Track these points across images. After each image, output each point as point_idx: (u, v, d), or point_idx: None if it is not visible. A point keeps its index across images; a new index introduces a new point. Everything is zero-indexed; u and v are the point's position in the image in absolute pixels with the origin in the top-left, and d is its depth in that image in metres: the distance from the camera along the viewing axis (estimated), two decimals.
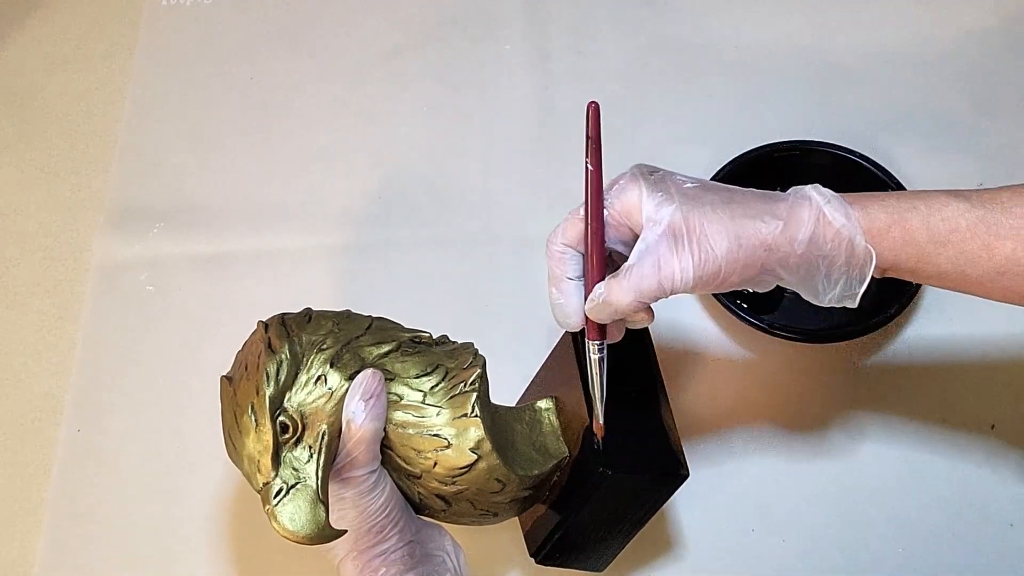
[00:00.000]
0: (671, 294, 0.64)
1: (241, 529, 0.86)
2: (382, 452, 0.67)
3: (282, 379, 0.64)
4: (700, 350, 0.90)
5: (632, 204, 0.65)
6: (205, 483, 0.88)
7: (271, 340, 0.65)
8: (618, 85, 1.02)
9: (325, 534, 0.62)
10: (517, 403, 0.82)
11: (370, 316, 0.70)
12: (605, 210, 0.66)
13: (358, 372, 0.65)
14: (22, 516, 0.88)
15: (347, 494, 0.65)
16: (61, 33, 1.10)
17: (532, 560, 0.75)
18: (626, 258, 0.65)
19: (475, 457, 0.67)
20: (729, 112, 1.01)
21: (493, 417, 0.70)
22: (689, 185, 0.65)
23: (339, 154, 1.02)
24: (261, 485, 0.63)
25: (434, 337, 0.71)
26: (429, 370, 0.68)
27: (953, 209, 0.63)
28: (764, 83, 1.02)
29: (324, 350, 0.66)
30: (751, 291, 0.89)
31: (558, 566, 0.76)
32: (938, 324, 0.90)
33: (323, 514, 0.62)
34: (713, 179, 0.87)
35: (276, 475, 0.63)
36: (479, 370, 0.68)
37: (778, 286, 0.89)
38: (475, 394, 0.67)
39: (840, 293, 0.66)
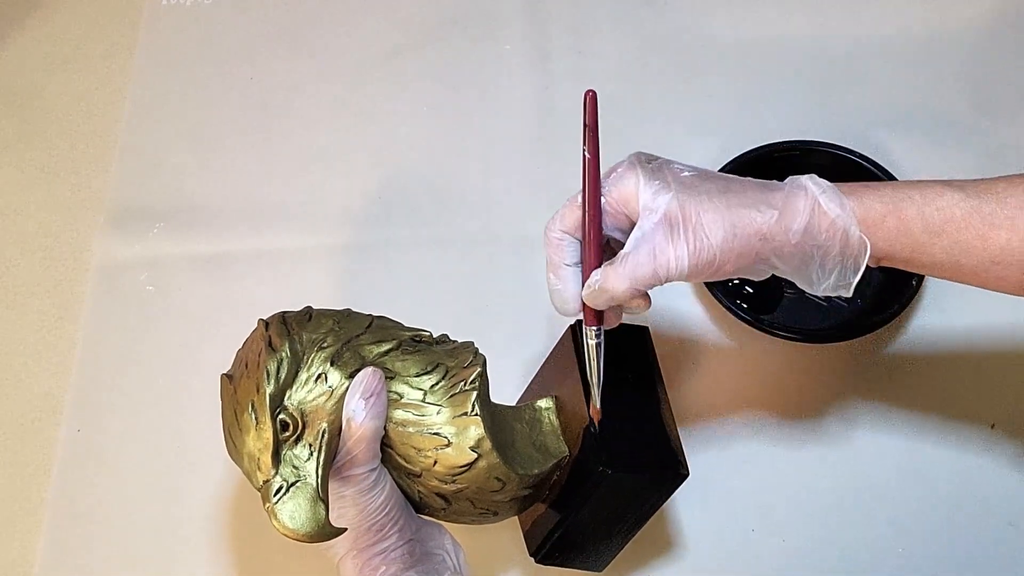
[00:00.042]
0: (666, 282, 0.65)
1: (241, 529, 0.86)
2: (382, 450, 0.67)
3: (282, 377, 0.64)
4: (700, 350, 0.90)
5: (629, 192, 0.65)
6: (205, 483, 0.88)
7: (272, 338, 0.65)
8: (618, 85, 1.02)
9: (325, 532, 0.62)
10: (517, 402, 0.82)
11: (370, 315, 0.70)
12: (603, 197, 0.66)
13: (358, 370, 0.65)
14: (22, 516, 0.88)
15: (347, 492, 0.66)
16: (61, 33, 1.10)
17: (532, 559, 0.75)
18: (623, 245, 0.66)
19: (475, 456, 0.67)
20: (729, 112, 1.01)
21: (493, 416, 0.70)
22: (686, 174, 0.66)
23: (339, 154, 1.02)
24: (261, 483, 0.63)
25: (434, 336, 0.71)
26: (429, 369, 0.68)
27: (948, 199, 0.64)
28: (764, 83, 1.02)
29: (324, 348, 0.66)
30: (751, 291, 0.89)
31: (558, 565, 0.76)
32: (938, 324, 0.90)
33: (323, 512, 0.62)
34: None
35: (276, 473, 0.63)
36: (479, 369, 0.68)
37: (779, 286, 0.90)
38: (475, 393, 0.67)
39: (835, 283, 0.66)
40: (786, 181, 0.66)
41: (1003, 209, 0.63)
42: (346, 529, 0.65)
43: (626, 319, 0.80)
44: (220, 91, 1.06)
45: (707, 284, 0.87)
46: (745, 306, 0.88)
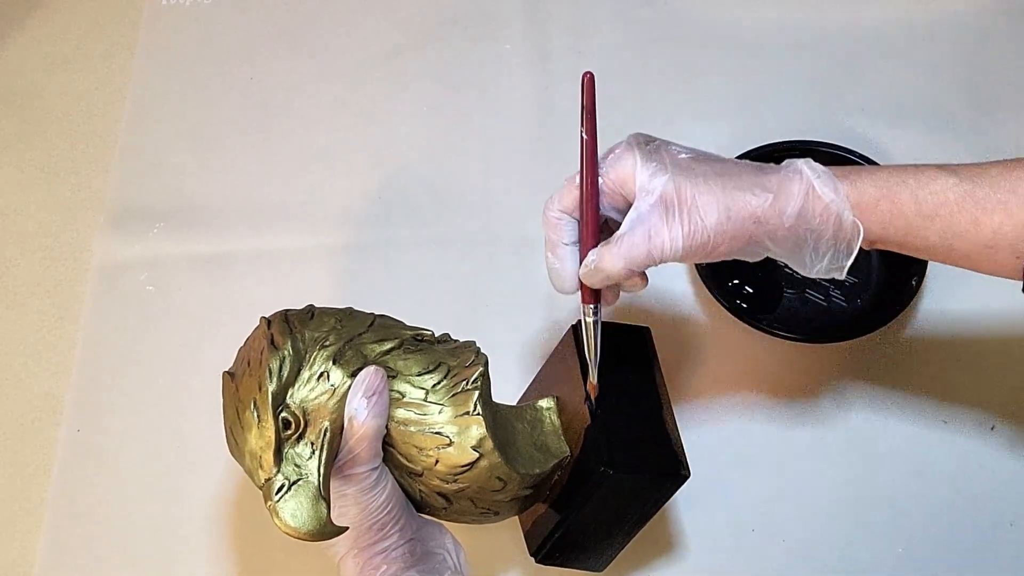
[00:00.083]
0: (660, 263, 0.66)
1: (242, 529, 0.86)
2: (384, 449, 0.67)
3: (285, 375, 0.64)
4: (700, 351, 0.90)
5: (626, 174, 0.66)
6: (205, 483, 0.88)
7: (274, 336, 0.65)
8: (618, 85, 1.02)
9: (327, 531, 0.62)
10: (518, 402, 0.82)
11: (372, 314, 0.70)
12: (600, 178, 0.67)
13: (360, 369, 0.65)
14: (22, 516, 0.88)
15: (349, 491, 0.66)
16: (61, 33, 1.10)
17: (532, 559, 0.75)
18: (620, 224, 0.67)
19: (477, 455, 0.67)
20: (729, 112, 1.01)
21: (494, 416, 0.70)
22: (683, 156, 0.66)
23: (339, 154, 1.02)
24: (263, 481, 0.63)
25: (436, 335, 0.71)
26: (431, 368, 0.68)
27: (942, 183, 0.64)
28: (764, 83, 1.02)
29: (327, 347, 0.66)
30: (751, 291, 0.89)
31: (558, 565, 0.76)
32: (938, 325, 0.90)
33: (325, 511, 0.62)
34: None
35: (278, 471, 0.63)
36: (481, 368, 0.68)
37: (779, 286, 0.89)
38: (477, 392, 0.67)
39: (827, 265, 0.67)
40: (783, 164, 0.67)
41: (996, 193, 0.63)
42: (347, 528, 0.65)
43: (626, 320, 0.80)
44: (220, 91, 1.06)
45: (707, 285, 0.87)
46: (745, 306, 0.88)
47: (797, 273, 0.89)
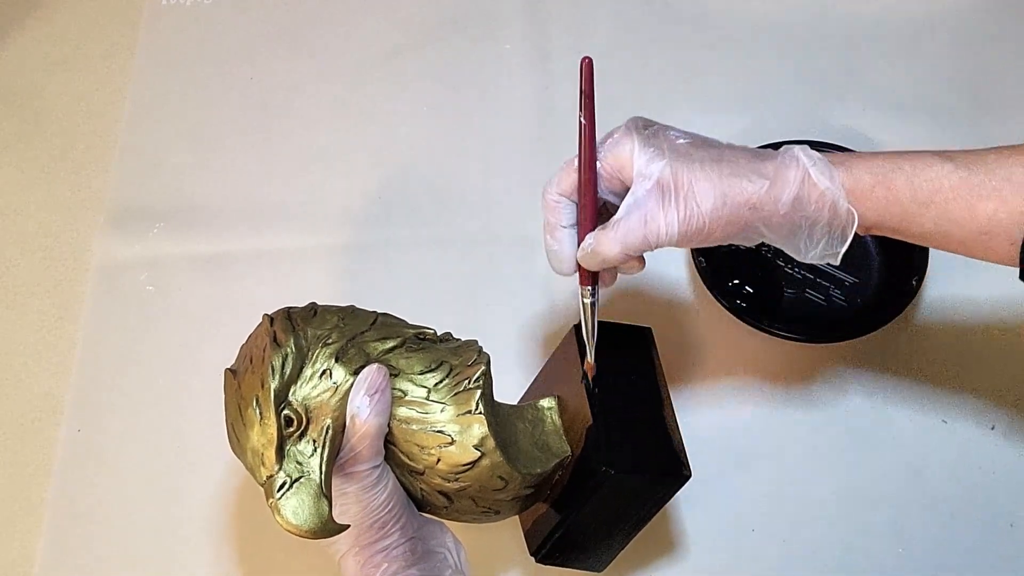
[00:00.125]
0: (657, 247, 0.67)
1: (242, 529, 0.86)
2: (385, 448, 0.67)
3: (287, 372, 0.64)
4: (701, 351, 0.90)
5: (624, 158, 0.67)
6: (205, 483, 0.88)
7: (276, 334, 0.65)
8: (617, 85, 1.02)
9: (328, 528, 0.62)
10: (519, 402, 0.82)
11: (374, 312, 0.70)
12: (598, 162, 0.68)
13: (363, 367, 0.65)
14: (22, 516, 0.88)
15: (350, 489, 0.66)
16: (61, 33, 1.10)
17: (532, 559, 0.75)
18: (618, 208, 0.67)
19: (478, 454, 0.67)
20: (729, 112, 1.01)
21: (496, 415, 0.70)
22: (681, 141, 0.67)
23: (339, 154, 1.02)
24: (265, 478, 0.63)
25: (438, 334, 0.71)
26: (433, 366, 0.68)
27: (937, 170, 0.64)
28: (764, 83, 1.02)
29: (329, 344, 0.66)
30: (751, 291, 0.89)
31: (558, 565, 0.76)
32: (938, 325, 0.90)
33: (326, 508, 0.62)
34: None
35: (280, 468, 0.63)
36: (483, 367, 0.68)
37: (779, 286, 0.89)
38: (479, 391, 0.67)
39: (822, 251, 0.67)
40: (780, 150, 0.67)
41: (991, 180, 0.63)
42: (349, 526, 0.65)
43: (627, 320, 0.80)
44: (220, 91, 1.06)
45: (707, 285, 0.87)
46: (745, 306, 0.88)
47: (797, 273, 0.90)
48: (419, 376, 0.67)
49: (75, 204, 1.01)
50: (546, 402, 0.75)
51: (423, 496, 0.69)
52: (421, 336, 0.70)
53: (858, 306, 0.89)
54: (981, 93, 1.00)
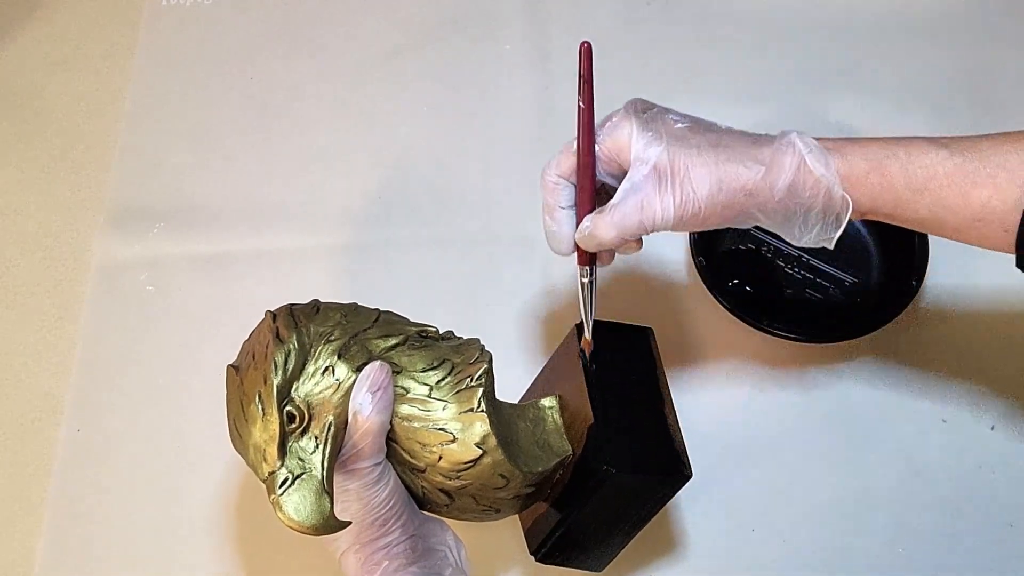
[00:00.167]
0: (652, 232, 0.67)
1: (242, 529, 0.86)
2: (387, 445, 0.67)
3: (290, 369, 0.64)
4: (702, 351, 0.90)
5: (622, 142, 0.68)
6: (205, 483, 0.88)
7: (279, 330, 0.65)
8: (617, 85, 1.01)
9: (329, 525, 0.62)
10: (520, 401, 0.82)
11: (377, 309, 0.70)
12: (597, 145, 0.69)
13: (365, 364, 0.65)
14: (22, 516, 0.88)
15: (351, 486, 0.66)
16: (61, 33, 1.10)
17: (532, 558, 0.75)
18: (616, 190, 0.68)
19: (480, 452, 0.67)
20: (729, 112, 1.00)
21: (498, 413, 0.70)
22: (680, 125, 0.67)
23: (339, 154, 1.02)
24: (267, 475, 0.63)
25: (440, 332, 0.71)
26: (436, 364, 0.68)
27: (932, 157, 0.65)
28: (763, 82, 1.02)
29: (332, 341, 0.66)
30: (751, 291, 0.89)
31: (558, 564, 0.76)
32: (937, 325, 0.90)
33: (328, 505, 0.62)
34: None
35: (282, 465, 0.63)
36: (485, 365, 0.68)
37: (779, 286, 0.90)
38: (481, 389, 0.67)
39: (816, 237, 0.67)
40: (778, 134, 0.67)
41: (986, 167, 0.64)
42: (350, 523, 0.65)
43: (628, 320, 0.80)
44: (220, 91, 1.06)
45: (707, 285, 0.87)
46: (745, 306, 0.88)
47: (797, 273, 0.90)
48: (421, 374, 0.67)
49: (75, 204, 1.01)
50: (547, 401, 0.75)
51: (424, 494, 0.69)
52: (423, 334, 0.70)
53: (858, 306, 0.89)
54: (980, 90, 1.01)
